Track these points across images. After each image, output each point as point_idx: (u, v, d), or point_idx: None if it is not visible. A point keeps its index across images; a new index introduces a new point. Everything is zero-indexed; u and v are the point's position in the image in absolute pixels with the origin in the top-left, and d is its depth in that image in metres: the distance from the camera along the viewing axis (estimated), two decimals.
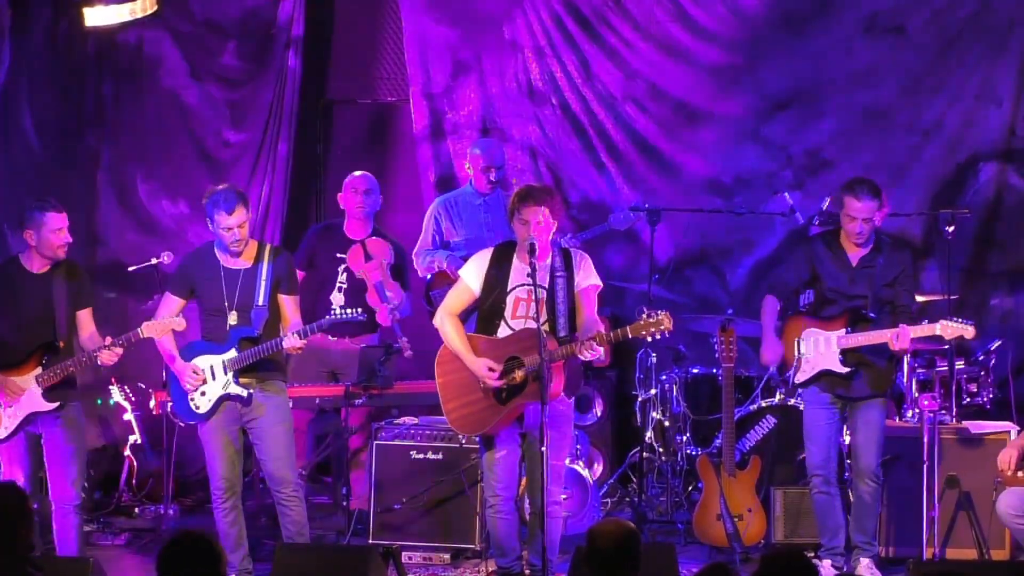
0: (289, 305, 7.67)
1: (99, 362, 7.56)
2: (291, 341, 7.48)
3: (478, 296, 7.36)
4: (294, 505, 7.64)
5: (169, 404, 7.75)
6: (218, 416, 7.58)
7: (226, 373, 7.55)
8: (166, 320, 7.52)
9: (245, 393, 7.56)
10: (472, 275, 7.37)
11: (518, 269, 7.28)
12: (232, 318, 7.58)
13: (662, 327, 7.03)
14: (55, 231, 7.57)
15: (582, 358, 7.11)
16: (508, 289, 7.27)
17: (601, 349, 7.09)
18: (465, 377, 7.28)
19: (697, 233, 10.00)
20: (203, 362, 7.57)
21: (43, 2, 10.00)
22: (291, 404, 7.85)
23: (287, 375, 7.89)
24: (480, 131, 10.10)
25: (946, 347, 8.31)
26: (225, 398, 7.56)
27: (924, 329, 7.62)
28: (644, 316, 7.07)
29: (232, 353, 7.55)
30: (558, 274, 7.22)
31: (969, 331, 7.57)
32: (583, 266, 7.33)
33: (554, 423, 7.04)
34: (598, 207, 9.91)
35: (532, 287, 7.11)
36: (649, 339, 7.12)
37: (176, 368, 7.58)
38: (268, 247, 7.73)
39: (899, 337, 7.55)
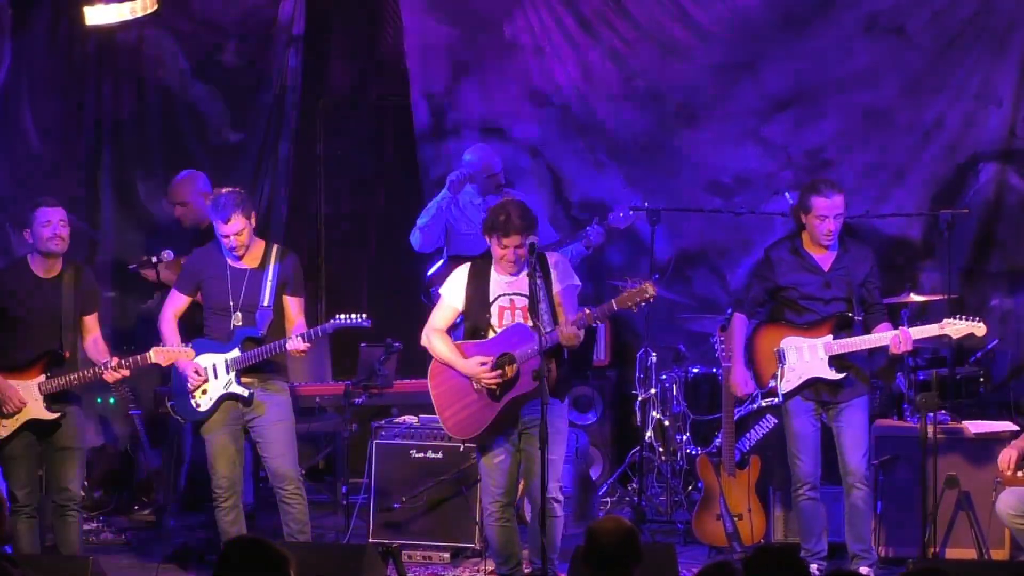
0: (294, 307, 7.67)
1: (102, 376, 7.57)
2: (295, 344, 7.47)
3: (462, 311, 7.39)
4: (296, 503, 7.64)
5: (170, 402, 7.73)
6: (219, 415, 7.58)
7: (228, 372, 7.54)
8: (175, 349, 7.52)
9: (246, 393, 7.56)
10: (453, 293, 7.40)
11: (496, 282, 7.31)
12: (236, 318, 7.59)
13: (647, 295, 7.01)
14: (43, 224, 7.51)
15: (573, 337, 7.08)
16: (490, 301, 7.30)
17: (581, 332, 7.07)
18: (457, 383, 7.28)
19: (697, 233, 10.00)
20: (206, 360, 7.57)
21: (43, 2, 9.99)
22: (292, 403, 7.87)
23: (288, 376, 7.89)
24: (480, 131, 10.10)
25: (944, 345, 8.29)
26: (226, 397, 7.56)
27: (928, 330, 7.55)
28: (627, 288, 7.05)
29: (235, 352, 7.55)
30: (536, 274, 7.22)
31: (980, 328, 7.47)
32: (559, 269, 7.33)
33: (549, 419, 7.00)
34: (598, 207, 9.90)
35: (512, 296, 7.21)
36: (635, 309, 7.09)
37: (180, 366, 7.58)
38: (275, 248, 7.73)
39: (902, 340, 7.46)
